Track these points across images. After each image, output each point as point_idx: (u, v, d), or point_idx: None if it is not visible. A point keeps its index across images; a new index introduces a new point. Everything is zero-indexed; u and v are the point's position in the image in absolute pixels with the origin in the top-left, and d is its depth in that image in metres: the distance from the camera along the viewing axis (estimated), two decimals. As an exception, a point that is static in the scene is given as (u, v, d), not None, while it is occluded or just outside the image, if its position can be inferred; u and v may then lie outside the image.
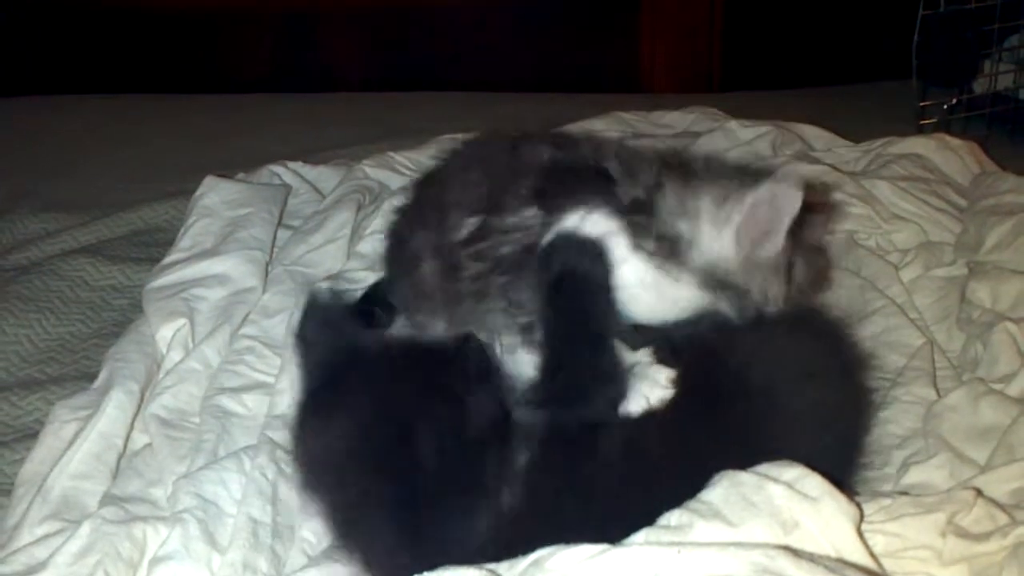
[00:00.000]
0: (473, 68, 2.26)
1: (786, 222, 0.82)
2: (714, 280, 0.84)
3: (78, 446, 0.91)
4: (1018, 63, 1.72)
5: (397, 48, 2.30)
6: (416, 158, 1.50)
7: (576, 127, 1.61)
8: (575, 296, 0.83)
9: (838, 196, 1.24)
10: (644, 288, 0.86)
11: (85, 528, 0.81)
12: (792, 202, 0.81)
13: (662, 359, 0.82)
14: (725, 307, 0.85)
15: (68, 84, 2.18)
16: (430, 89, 2.14)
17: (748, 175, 0.86)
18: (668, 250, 0.84)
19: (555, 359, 0.81)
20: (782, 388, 0.79)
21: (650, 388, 0.80)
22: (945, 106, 1.67)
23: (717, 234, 0.84)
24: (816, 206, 0.90)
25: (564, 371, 0.80)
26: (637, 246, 0.85)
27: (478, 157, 1.02)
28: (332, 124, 1.89)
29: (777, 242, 0.83)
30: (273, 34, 2.30)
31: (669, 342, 0.84)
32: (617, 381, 0.80)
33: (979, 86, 1.73)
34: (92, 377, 1.05)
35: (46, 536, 0.83)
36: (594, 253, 0.84)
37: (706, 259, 0.84)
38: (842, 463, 0.81)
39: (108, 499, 0.86)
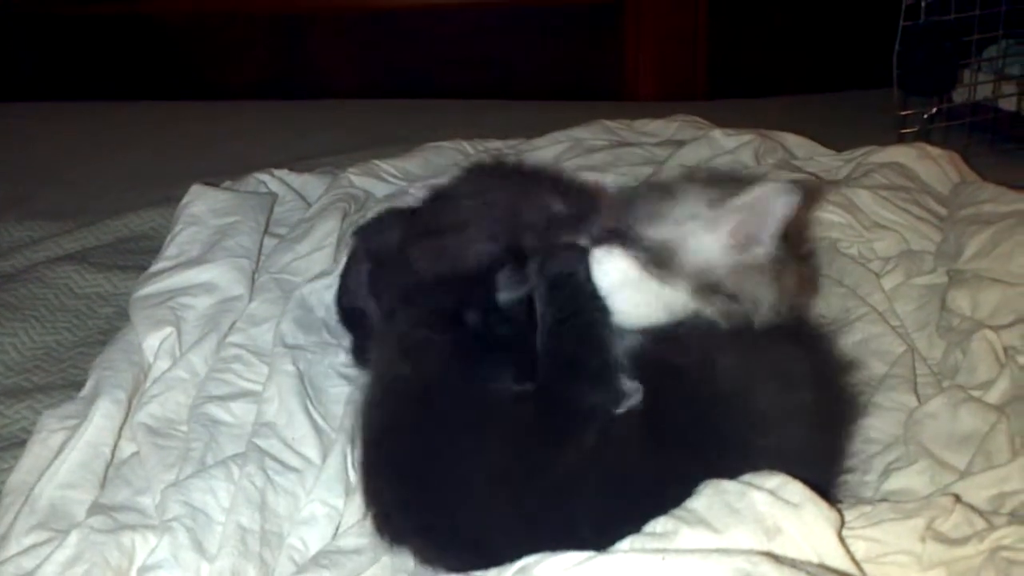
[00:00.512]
0: (460, 76, 2.27)
1: (778, 224, 0.82)
2: (705, 285, 0.82)
3: (65, 455, 0.91)
4: (997, 73, 1.74)
5: (385, 55, 2.30)
6: (402, 166, 1.51)
7: (561, 135, 1.63)
8: (570, 298, 0.84)
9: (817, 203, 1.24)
10: (629, 288, 0.84)
11: (73, 537, 0.81)
12: (786, 204, 0.81)
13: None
14: (714, 313, 0.83)
15: (55, 90, 2.18)
16: (416, 97, 2.15)
17: (736, 182, 0.87)
18: (655, 258, 0.83)
19: (549, 354, 0.82)
20: (762, 392, 0.80)
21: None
22: (925, 115, 1.68)
23: (709, 236, 0.83)
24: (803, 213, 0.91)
25: (556, 370, 0.81)
26: (623, 251, 0.84)
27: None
28: (321, 131, 1.90)
29: (767, 245, 0.82)
30: (263, 41, 2.30)
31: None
32: (608, 383, 0.80)
33: (959, 96, 1.75)
34: (78, 386, 1.05)
35: (34, 546, 0.83)
36: (585, 259, 0.85)
37: (696, 263, 0.83)
38: (823, 469, 0.82)
39: (96, 508, 0.86)
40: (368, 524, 0.85)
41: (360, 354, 1.06)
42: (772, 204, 0.81)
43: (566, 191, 1.03)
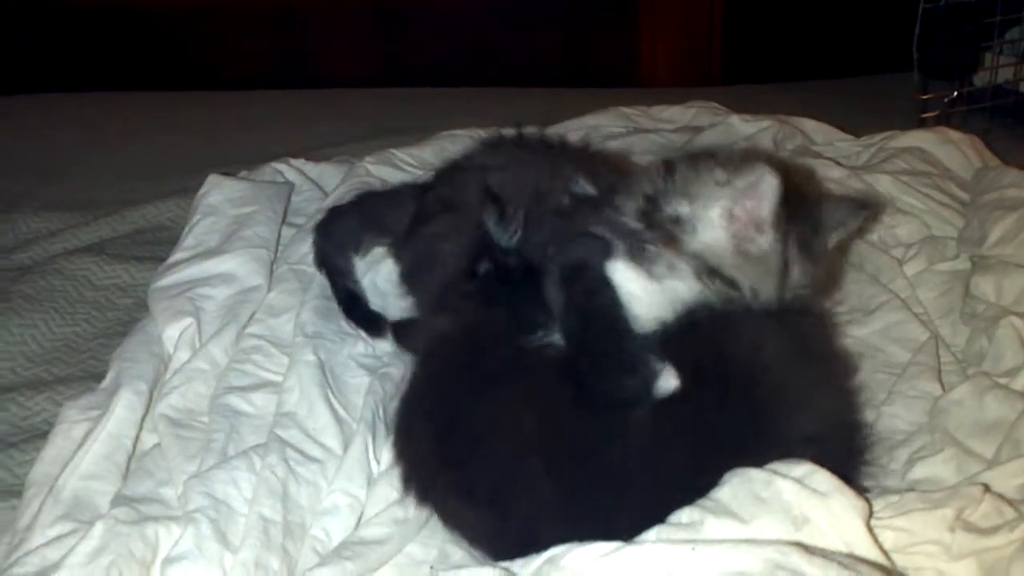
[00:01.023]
0: (473, 64, 2.26)
1: (769, 212, 0.80)
2: (705, 269, 0.82)
3: (88, 447, 0.91)
4: (1019, 56, 1.72)
5: (396, 44, 2.29)
6: (418, 154, 1.50)
7: (577, 123, 1.62)
8: (587, 288, 0.84)
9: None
10: (636, 295, 0.84)
11: (98, 529, 0.81)
12: (771, 191, 0.79)
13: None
14: (713, 298, 0.83)
15: (66, 82, 2.18)
16: (429, 85, 2.14)
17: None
18: (666, 234, 0.83)
19: (576, 348, 0.83)
20: (782, 376, 0.80)
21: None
22: (946, 99, 1.67)
23: (714, 218, 0.82)
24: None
25: (585, 358, 0.81)
26: (629, 254, 0.85)
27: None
28: (331, 121, 1.89)
29: (766, 235, 0.82)
30: (265, 31, 2.29)
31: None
32: (639, 367, 0.80)
33: (980, 79, 1.73)
34: (99, 377, 1.05)
35: (59, 537, 0.83)
36: (603, 250, 0.85)
37: (700, 244, 0.82)
38: (847, 451, 0.81)
39: (119, 499, 0.87)
40: (392, 503, 0.86)
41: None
42: (759, 190, 0.80)
43: (591, 166, 1.02)
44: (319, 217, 1.20)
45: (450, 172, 1.13)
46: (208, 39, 2.28)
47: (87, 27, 2.26)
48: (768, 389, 0.78)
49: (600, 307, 0.83)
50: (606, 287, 0.84)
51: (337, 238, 1.16)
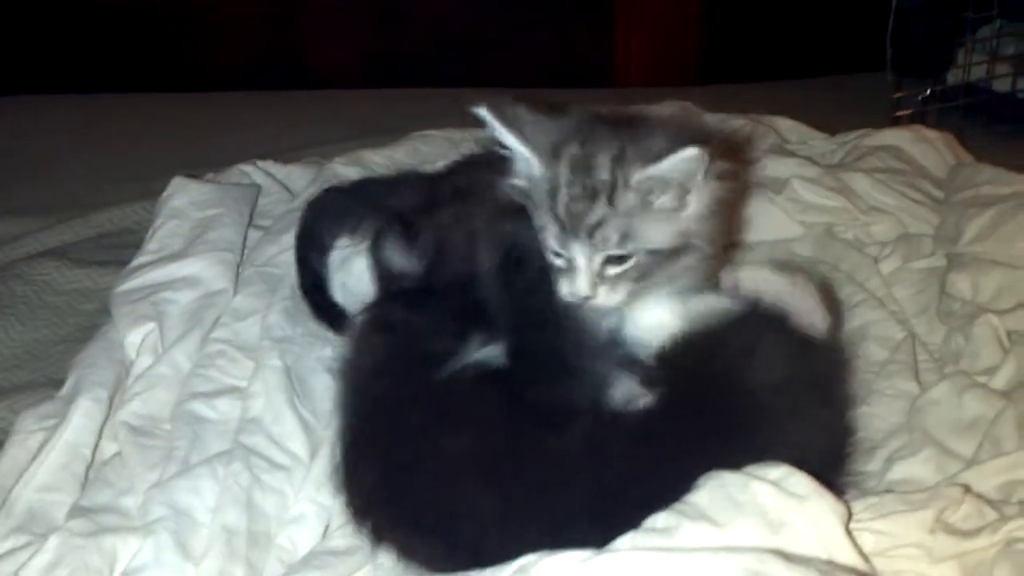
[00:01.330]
0: (445, 64, 2.24)
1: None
2: None
3: (44, 457, 0.88)
4: (990, 54, 1.73)
5: (372, 38, 2.27)
6: (390, 155, 1.47)
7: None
8: (527, 285, 0.83)
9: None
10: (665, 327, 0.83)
11: (52, 542, 0.78)
12: None
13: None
14: None
15: (34, 83, 2.14)
16: (402, 86, 2.11)
17: None
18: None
19: (514, 348, 0.81)
20: (763, 386, 0.78)
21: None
22: (920, 97, 1.67)
23: None
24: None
25: (524, 355, 0.80)
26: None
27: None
28: (311, 123, 1.87)
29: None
30: (253, 27, 2.27)
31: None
32: (586, 370, 0.79)
33: (953, 77, 1.73)
34: (60, 384, 1.02)
35: (12, 551, 0.80)
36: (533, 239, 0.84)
37: None
38: (829, 459, 0.80)
39: (76, 511, 0.84)
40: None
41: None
42: None
43: None
44: (313, 194, 1.17)
45: (468, 165, 1.10)
46: (193, 36, 2.25)
47: (63, 26, 2.22)
48: (743, 400, 0.76)
49: (539, 305, 0.81)
50: (546, 282, 0.82)
51: (333, 212, 1.12)
